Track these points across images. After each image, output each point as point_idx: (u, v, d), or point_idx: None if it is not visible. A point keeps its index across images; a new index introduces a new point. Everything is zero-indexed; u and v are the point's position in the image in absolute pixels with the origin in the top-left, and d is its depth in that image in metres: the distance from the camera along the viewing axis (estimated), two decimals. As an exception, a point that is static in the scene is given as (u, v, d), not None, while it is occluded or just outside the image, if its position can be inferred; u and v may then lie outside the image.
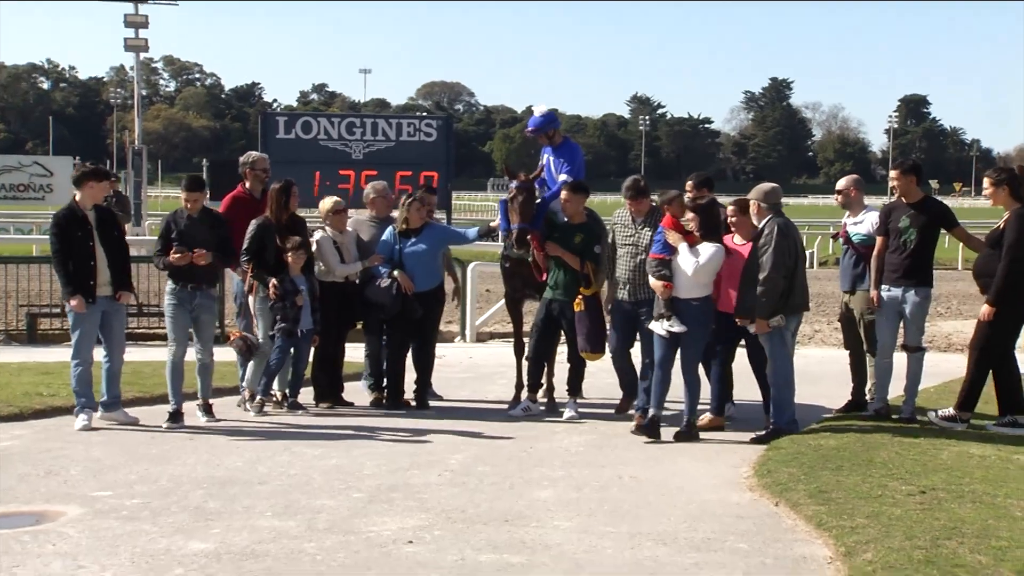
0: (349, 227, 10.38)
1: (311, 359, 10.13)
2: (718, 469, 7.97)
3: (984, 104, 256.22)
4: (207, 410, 9.42)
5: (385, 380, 10.28)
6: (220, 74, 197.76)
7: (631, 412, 9.38)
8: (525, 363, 10.15)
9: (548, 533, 6.32)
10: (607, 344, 9.60)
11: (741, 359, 9.46)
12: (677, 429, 8.94)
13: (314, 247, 10.09)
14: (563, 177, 10.08)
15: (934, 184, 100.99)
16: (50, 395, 10.01)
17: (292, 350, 9.75)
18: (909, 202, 9.40)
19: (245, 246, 9.64)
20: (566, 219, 9.77)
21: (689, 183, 9.83)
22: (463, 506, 6.87)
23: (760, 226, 8.97)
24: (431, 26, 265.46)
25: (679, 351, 8.90)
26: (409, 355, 10.26)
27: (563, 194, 9.74)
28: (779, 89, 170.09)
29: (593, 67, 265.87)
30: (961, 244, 10.66)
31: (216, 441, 8.73)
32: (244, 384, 9.88)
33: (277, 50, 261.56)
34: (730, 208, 9.10)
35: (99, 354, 9.28)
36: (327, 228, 10.22)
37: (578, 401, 9.98)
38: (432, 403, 10.33)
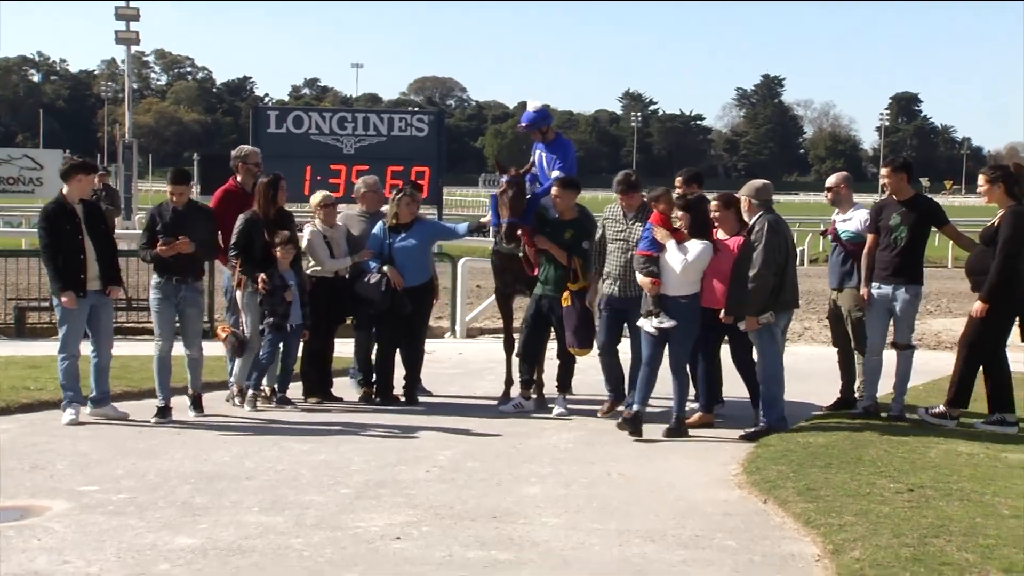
0: (339, 222, 10.36)
1: (300, 354, 10.10)
2: (707, 466, 7.96)
3: (975, 103, 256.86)
4: (196, 402, 9.39)
5: (374, 375, 10.26)
6: (212, 68, 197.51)
7: (620, 409, 9.35)
8: (515, 359, 10.13)
9: (536, 530, 6.31)
10: (595, 340, 9.59)
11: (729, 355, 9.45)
12: (667, 426, 8.94)
13: (304, 241, 10.07)
14: (555, 173, 10.06)
15: (925, 182, 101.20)
16: (37, 389, 9.97)
17: (281, 345, 9.73)
18: (900, 200, 9.40)
19: (233, 240, 9.61)
20: (557, 215, 9.76)
21: (679, 179, 9.83)
22: (451, 502, 6.86)
23: (751, 223, 8.97)
24: (423, 21, 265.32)
25: (668, 349, 8.88)
26: (398, 351, 10.24)
27: (553, 190, 9.72)
28: (771, 86, 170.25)
29: (585, 63, 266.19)
30: (951, 242, 10.66)
31: (204, 436, 8.70)
32: (232, 379, 9.85)
33: (269, 44, 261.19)
34: (714, 203, 9.10)
35: (86, 348, 9.24)
36: (317, 222, 10.19)
37: (567, 398, 9.97)
38: (421, 399, 10.32)
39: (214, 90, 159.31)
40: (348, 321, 10.62)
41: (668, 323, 8.72)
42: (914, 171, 9.97)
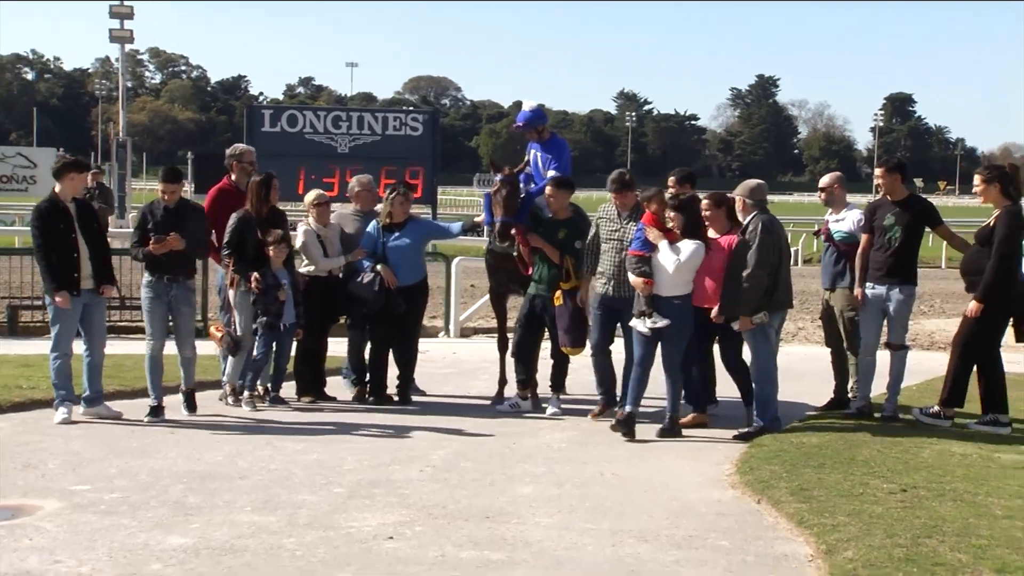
0: (333, 220, 10.34)
1: (294, 353, 10.08)
2: (700, 466, 7.96)
3: (970, 104, 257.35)
4: (190, 399, 9.37)
5: (368, 375, 10.25)
6: (206, 66, 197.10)
7: (614, 410, 9.34)
8: (510, 360, 10.12)
9: (529, 530, 6.30)
10: (588, 340, 9.57)
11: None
12: (660, 426, 8.93)
13: (298, 240, 10.06)
14: (551, 173, 10.06)
15: (919, 182, 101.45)
16: (30, 388, 9.94)
17: (274, 344, 9.71)
18: (894, 200, 9.41)
19: (226, 239, 9.59)
20: (551, 215, 9.75)
21: (671, 179, 9.82)
22: (444, 502, 6.85)
23: (745, 223, 8.97)
24: (419, 20, 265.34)
25: (661, 349, 8.88)
26: (391, 350, 10.22)
27: (548, 189, 9.71)
28: (765, 86, 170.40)
29: (580, 63, 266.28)
30: (945, 243, 10.67)
31: (197, 435, 8.69)
32: (225, 378, 9.83)
33: (264, 43, 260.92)
34: (705, 202, 9.10)
35: (79, 347, 9.22)
36: (311, 221, 10.18)
37: (561, 397, 9.96)
38: (415, 398, 10.31)
39: (208, 89, 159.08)
40: (342, 320, 10.60)
41: (662, 322, 8.71)
42: (908, 172, 9.97)
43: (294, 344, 9.96)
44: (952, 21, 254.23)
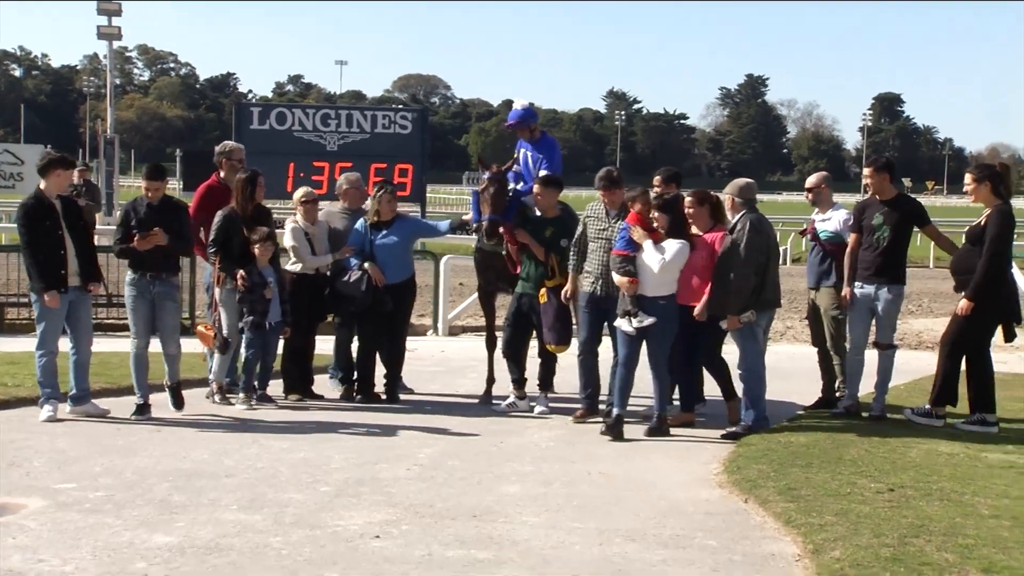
0: (321, 218, 10.31)
1: (281, 351, 10.05)
2: (688, 466, 7.95)
3: (958, 104, 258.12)
4: (176, 395, 9.32)
5: (355, 373, 10.22)
6: (195, 64, 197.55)
7: (600, 417, 9.29)
8: (497, 358, 10.09)
9: (516, 529, 6.28)
10: (577, 339, 9.54)
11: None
12: (648, 425, 8.92)
13: (287, 238, 10.02)
14: (543, 174, 10.04)
15: (907, 182, 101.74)
16: (15, 385, 9.89)
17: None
18: (882, 199, 9.42)
19: (212, 237, 9.56)
20: (539, 213, 9.73)
21: (657, 179, 9.80)
22: (431, 501, 6.82)
23: (733, 221, 8.97)
24: (408, 19, 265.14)
25: (647, 349, 8.86)
26: (379, 348, 10.19)
27: (535, 188, 9.71)
28: (755, 86, 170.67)
29: (570, 62, 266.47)
30: (933, 242, 10.68)
31: (183, 433, 8.65)
32: (212, 377, 9.79)
33: (253, 41, 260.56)
34: (688, 199, 9.09)
35: (65, 345, 9.17)
36: (298, 219, 10.14)
37: (549, 396, 9.94)
38: (402, 396, 10.29)
39: (197, 86, 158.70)
40: (330, 319, 10.56)
41: (647, 321, 8.69)
42: (896, 171, 9.98)
43: (281, 342, 9.92)
44: (940, 21, 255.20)
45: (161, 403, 9.31)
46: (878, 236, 9.28)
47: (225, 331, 9.54)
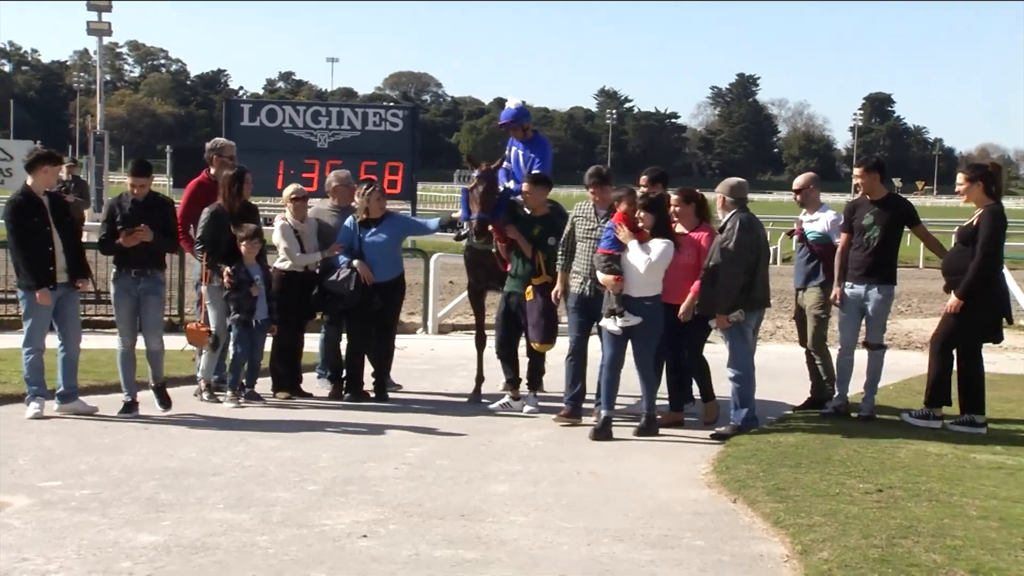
0: (310, 215, 10.27)
1: (268, 349, 10.01)
2: (677, 466, 7.94)
3: (948, 104, 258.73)
4: (161, 394, 9.27)
5: (344, 371, 10.18)
6: (186, 60, 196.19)
7: (585, 418, 9.26)
8: (487, 356, 10.07)
9: (504, 528, 6.26)
10: (567, 338, 9.52)
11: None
12: (637, 425, 8.91)
13: (275, 235, 9.99)
14: (533, 172, 10.01)
15: (897, 182, 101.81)
16: (1, 383, 9.84)
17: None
18: (873, 199, 9.42)
19: (199, 234, 9.52)
20: (528, 211, 9.71)
21: (644, 178, 9.77)
22: (419, 500, 6.80)
23: (724, 221, 8.95)
24: (399, 16, 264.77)
25: (632, 349, 8.84)
26: (368, 347, 10.15)
27: (524, 186, 9.69)
28: (746, 85, 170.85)
29: (561, 60, 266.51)
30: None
31: (170, 431, 8.61)
32: (200, 374, 9.75)
33: (244, 37, 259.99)
34: (674, 198, 9.08)
35: (52, 341, 9.12)
36: (287, 216, 10.10)
37: (537, 395, 9.92)
38: (392, 394, 10.26)
39: (188, 82, 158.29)
40: (319, 316, 10.53)
41: (633, 320, 8.67)
42: (887, 171, 9.98)
43: (268, 340, 9.88)
44: (931, 22, 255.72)
45: (149, 400, 9.26)
46: (868, 236, 9.27)
47: (213, 327, 9.51)
